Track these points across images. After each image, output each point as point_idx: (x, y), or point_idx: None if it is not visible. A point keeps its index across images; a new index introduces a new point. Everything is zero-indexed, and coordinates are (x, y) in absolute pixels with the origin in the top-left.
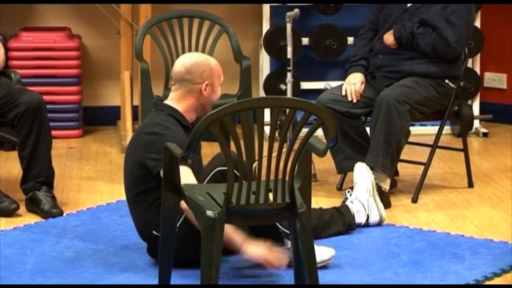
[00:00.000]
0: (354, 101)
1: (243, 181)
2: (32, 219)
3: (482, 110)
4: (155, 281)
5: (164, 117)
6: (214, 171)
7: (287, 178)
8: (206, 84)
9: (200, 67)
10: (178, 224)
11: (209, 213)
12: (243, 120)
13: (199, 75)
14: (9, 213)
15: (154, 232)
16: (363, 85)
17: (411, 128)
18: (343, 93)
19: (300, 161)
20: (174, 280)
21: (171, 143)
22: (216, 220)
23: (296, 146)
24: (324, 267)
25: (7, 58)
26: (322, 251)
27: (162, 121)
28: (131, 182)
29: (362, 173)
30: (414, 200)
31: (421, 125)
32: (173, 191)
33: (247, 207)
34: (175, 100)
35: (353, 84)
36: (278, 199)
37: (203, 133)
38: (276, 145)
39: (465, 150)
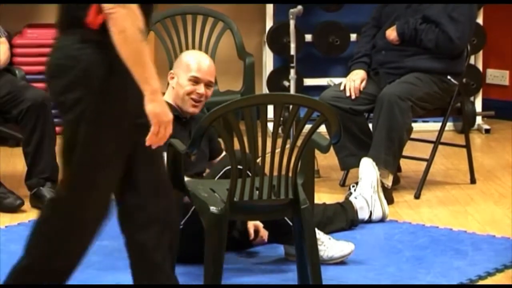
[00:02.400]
0: (353, 97)
1: (247, 177)
2: (36, 215)
3: (484, 107)
4: None
5: None
6: (224, 169)
7: (290, 174)
8: (171, 74)
9: (178, 58)
10: (182, 222)
11: (213, 209)
12: (246, 117)
13: (174, 65)
14: (14, 209)
15: None
16: (363, 82)
17: (413, 124)
18: (342, 88)
19: (303, 157)
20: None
21: (175, 140)
22: (220, 216)
23: (299, 143)
24: (327, 263)
25: (12, 54)
26: (342, 246)
27: None
28: None
29: (367, 168)
30: (417, 196)
31: (423, 121)
32: (176, 187)
33: (250, 203)
34: (166, 92)
35: (353, 80)
36: (281, 195)
37: (206, 130)
38: (279, 141)
39: (467, 146)
